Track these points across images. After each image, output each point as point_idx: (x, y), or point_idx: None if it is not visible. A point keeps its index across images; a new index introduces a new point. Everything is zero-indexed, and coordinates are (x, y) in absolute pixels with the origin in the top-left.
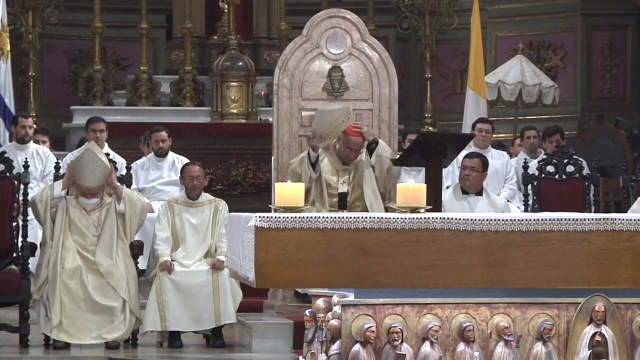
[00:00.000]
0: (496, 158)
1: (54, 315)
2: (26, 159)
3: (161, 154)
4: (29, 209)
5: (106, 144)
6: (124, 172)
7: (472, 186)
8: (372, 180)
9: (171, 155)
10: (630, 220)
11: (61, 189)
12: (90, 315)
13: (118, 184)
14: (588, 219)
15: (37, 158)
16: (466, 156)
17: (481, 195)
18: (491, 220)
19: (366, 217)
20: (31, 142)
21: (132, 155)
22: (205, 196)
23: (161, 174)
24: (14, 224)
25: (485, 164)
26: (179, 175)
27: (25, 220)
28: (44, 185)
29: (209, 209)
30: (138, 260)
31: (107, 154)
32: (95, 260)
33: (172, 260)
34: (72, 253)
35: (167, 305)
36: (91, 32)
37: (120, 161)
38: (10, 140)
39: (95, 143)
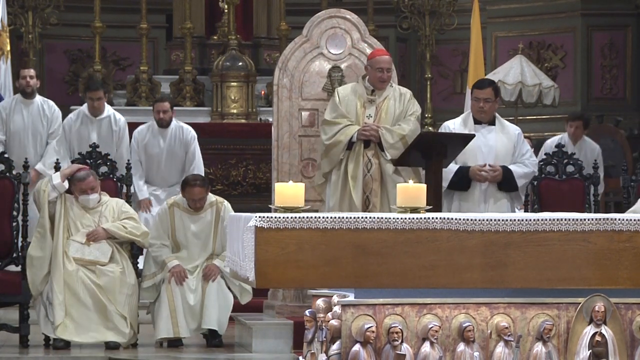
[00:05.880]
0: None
1: (57, 313)
2: (26, 159)
3: (162, 125)
4: (29, 208)
5: (108, 106)
6: (124, 172)
7: (487, 117)
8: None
9: (174, 125)
10: (630, 220)
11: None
12: (91, 313)
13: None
14: (588, 219)
15: (43, 115)
16: (477, 87)
17: (494, 124)
18: (491, 220)
19: (366, 217)
20: (37, 96)
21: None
22: (206, 199)
23: (161, 144)
24: (14, 224)
25: (496, 90)
26: (180, 189)
27: (25, 220)
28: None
29: (210, 214)
30: (138, 260)
31: (108, 116)
32: (98, 269)
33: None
34: (71, 254)
35: (178, 313)
36: (91, 32)
37: (122, 119)
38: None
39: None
